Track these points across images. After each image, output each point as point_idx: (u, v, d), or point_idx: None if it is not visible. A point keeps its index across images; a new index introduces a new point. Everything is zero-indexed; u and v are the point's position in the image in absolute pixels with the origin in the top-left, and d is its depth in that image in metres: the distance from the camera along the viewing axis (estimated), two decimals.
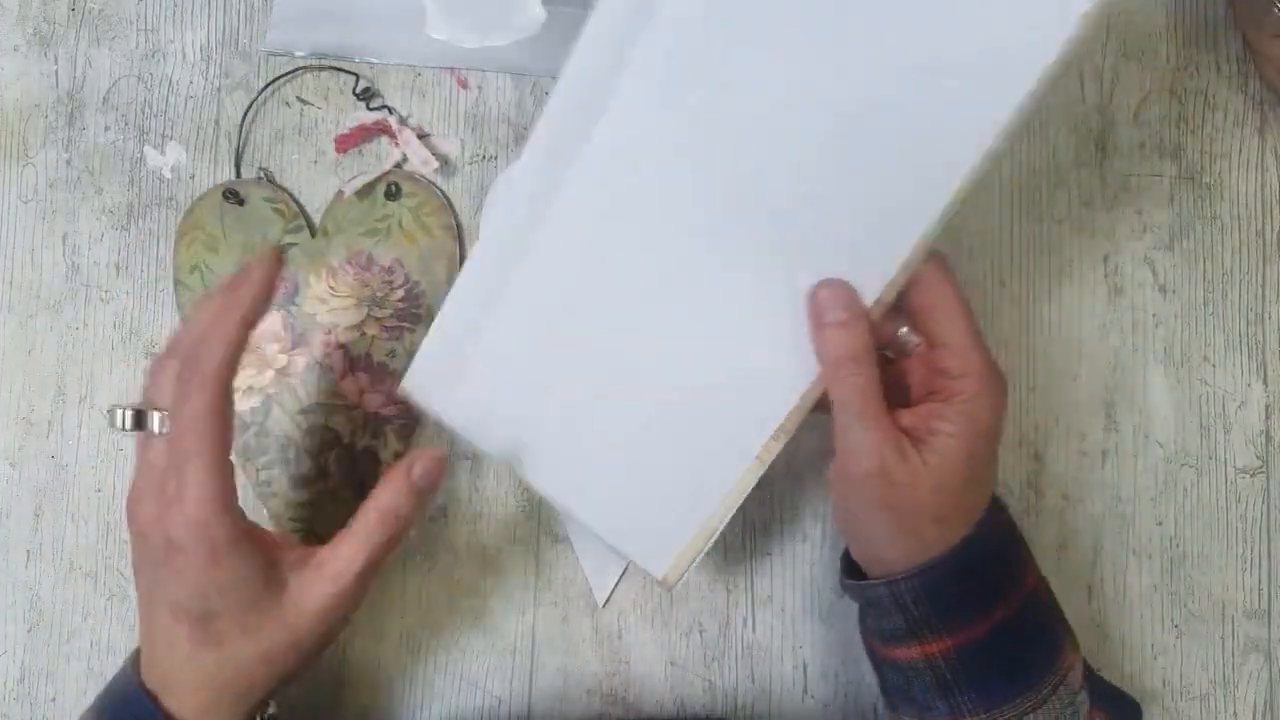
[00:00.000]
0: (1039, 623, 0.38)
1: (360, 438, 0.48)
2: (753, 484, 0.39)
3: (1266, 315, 0.48)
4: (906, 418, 0.37)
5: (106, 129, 0.51)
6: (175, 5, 0.51)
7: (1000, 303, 0.48)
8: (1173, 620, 0.47)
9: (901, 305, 0.37)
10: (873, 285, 0.37)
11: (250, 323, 0.37)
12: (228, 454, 0.36)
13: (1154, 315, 0.48)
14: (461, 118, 0.50)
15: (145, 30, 0.51)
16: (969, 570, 0.36)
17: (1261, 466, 0.48)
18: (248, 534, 0.36)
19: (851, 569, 0.41)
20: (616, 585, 0.48)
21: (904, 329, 0.38)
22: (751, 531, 0.48)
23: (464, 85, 0.50)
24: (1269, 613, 0.47)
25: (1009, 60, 0.34)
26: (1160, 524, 0.48)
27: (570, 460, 0.41)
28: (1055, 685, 0.37)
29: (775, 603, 0.48)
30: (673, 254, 0.38)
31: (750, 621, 0.48)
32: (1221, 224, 0.48)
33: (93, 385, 0.50)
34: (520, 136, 0.50)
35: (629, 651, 0.48)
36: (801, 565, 0.48)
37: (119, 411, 0.37)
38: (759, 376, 0.39)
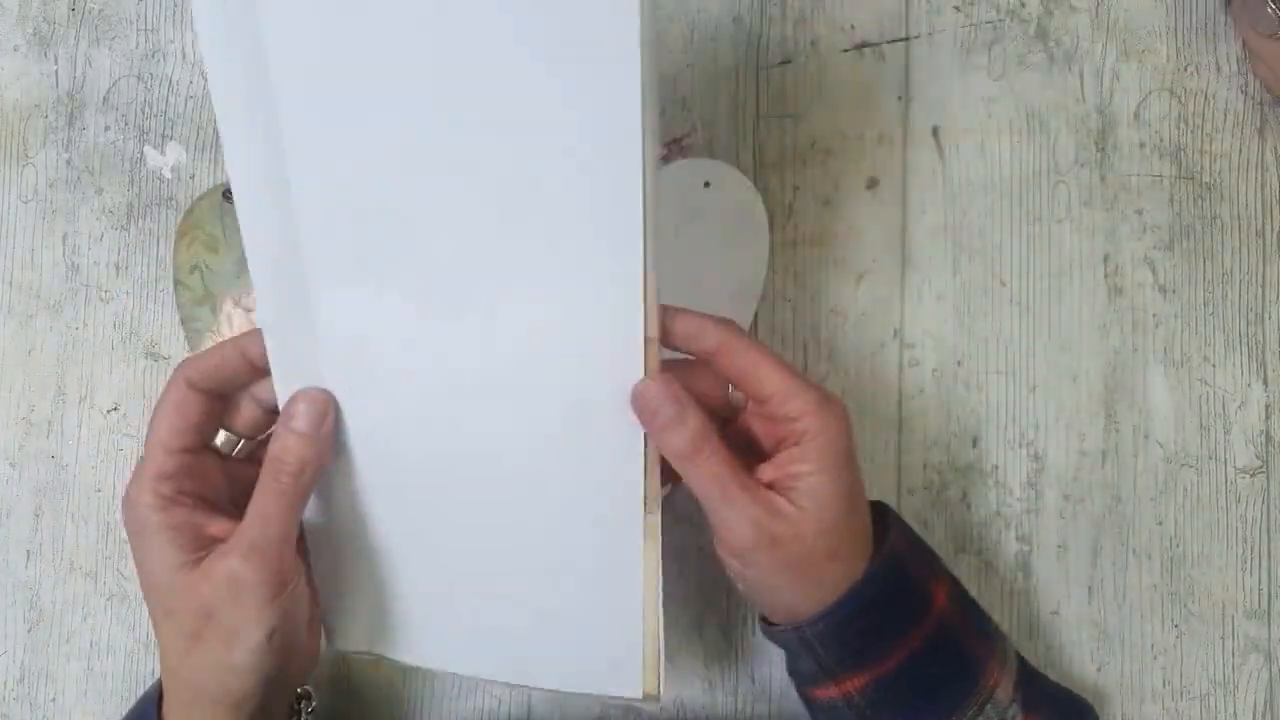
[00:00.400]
0: (953, 645, 0.38)
1: None
2: (658, 561, 0.38)
3: (1266, 315, 0.48)
4: (768, 472, 0.36)
5: (106, 129, 0.51)
6: (175, 5, 0.51)
7: (1000, 303, 0.48)
8: (1173, 620, 0.47)
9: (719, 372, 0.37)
10: (631, 325, 0.34)
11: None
12: (181, 457, 0.37)
13: (1154, 315, 0.48)
14: None
15: (145, 30, 0.51)
16: (869, 607, 0.36)
17: (1261, 466, 0.48)
18: (167, 521, 0.36)
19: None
20: None
21: (730, 389, 0.38)
22: None
23: None
24: (1269, 613, 0.47)
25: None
26: (1160, 524, 0.48)
27: (485, 637, 0.41)
28: (980, 704, 0.37)
29: None
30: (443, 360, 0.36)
31: (750, 621, 0.48)
32: (1222, 224, 0.48)
33: (93, 385, 0.50)
34: None
35: None
36: None
37: None
38: (595, 461, 0.37)
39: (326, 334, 0.37)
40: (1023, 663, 0.41)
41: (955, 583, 0.40)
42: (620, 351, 0.35)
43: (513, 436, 0.37)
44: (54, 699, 0.49)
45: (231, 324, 0.48)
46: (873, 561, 0.36)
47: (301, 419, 0.37)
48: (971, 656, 0.38)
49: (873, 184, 0.49)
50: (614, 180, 0.32)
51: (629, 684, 0.39)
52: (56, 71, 0.51)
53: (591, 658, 0.40)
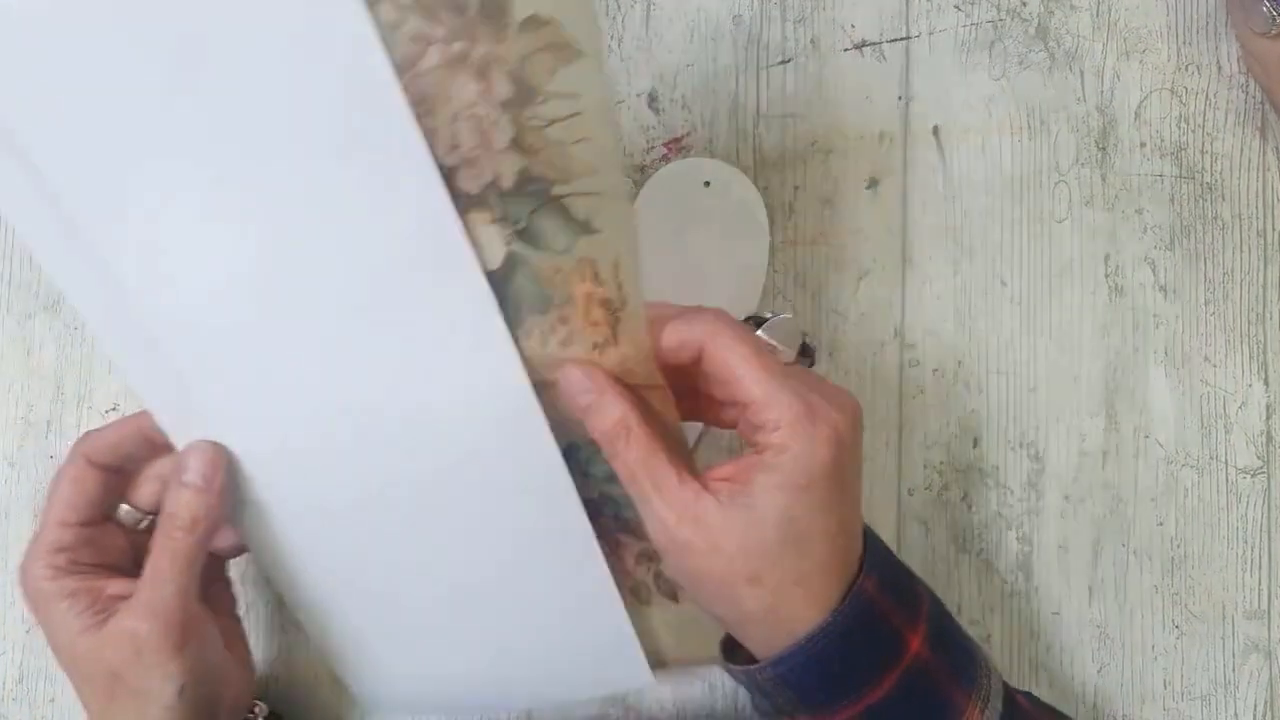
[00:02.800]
0: (926, 692, 0.34)
1: None
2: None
3: (1268, 315, 0.48)
4: (726, 469, 0.33)
5: None
6: None
7: (1001, 302, 0.48)
8: (1173, 620, 0.47)
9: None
10: (509, 372, 0.34)
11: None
12: (76, 530, 0.38)
13: (1154, 315, 0.48)
14: None
15: None
16: (830, 655, 0.33)
17: (1262, 467, 0.48)
18: (63, 590, 0.37)
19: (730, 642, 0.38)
20: None
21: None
22: None
23: None
24: (1269, 613, 0.47)
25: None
26: (1161, 524, 0.47)
27: (488, 673, 0.41)
28: None
29: None
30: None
31: None
32: (1222, 224, 0.48)
33: (91, 385, 0.50)
34: None
35: None
36: None
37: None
38: (517, 475, 0.36)
39: (216, 409, 0.36)
40: (1009, 695, 0.37)
41: (938, 618, 0.36)
42: (508, 393, 0.34)
43: (429, 473, 0.37)
44: (53, 699, 0.49)
45: None
46: (837, 610, 0.33)
47: (193, 472, 0.36)
48: (947, 703, 0.35)
49: (873, 184, 0.49)
50: (439, 247, 0.32)
51: (636, 673, 0.39)
52: None
53: (592, 661, 0.40)
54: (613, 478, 0.35)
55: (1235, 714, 0.47)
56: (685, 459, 0.34)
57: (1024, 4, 0.49)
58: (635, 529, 0.38)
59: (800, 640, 0.33)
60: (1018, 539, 0.48)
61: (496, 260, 0.32)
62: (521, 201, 0.31)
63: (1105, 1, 0.49)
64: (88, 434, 0.39)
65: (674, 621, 0.41)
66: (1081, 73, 0.49)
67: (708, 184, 0.48)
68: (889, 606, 0.34)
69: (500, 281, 0.32)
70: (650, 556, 0.39)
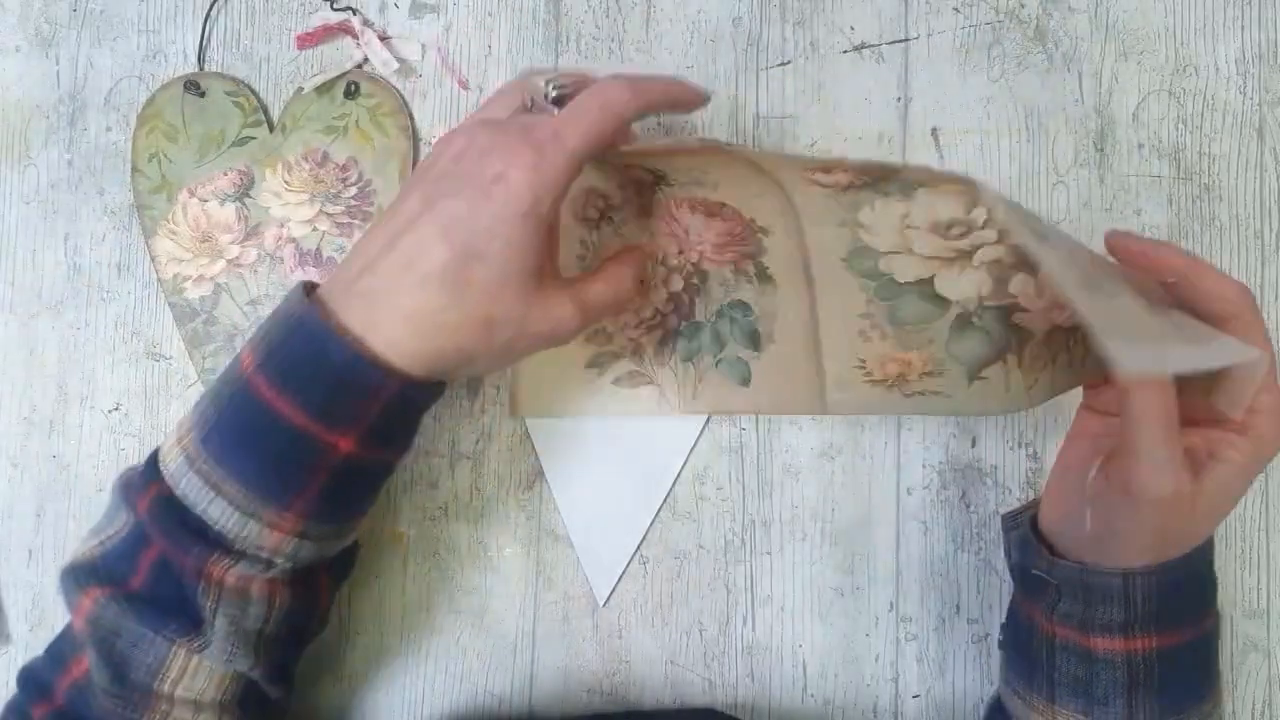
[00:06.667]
0: (1217, 643, 0.39)
1: None
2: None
3: (1265, 316, 0.48)
4: (1191, 436, 0.35)
5: (108, 129, 0.51)
6: (176, 6, 0.51)
7: None
8: None
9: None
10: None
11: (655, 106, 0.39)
12: (577, 171, 0.37)
13: None
14: (462, 118, 0.50)
15: (146, 31, 0.51)
16: (1193, 578, 0.37)
17: None
18: (549, 229, 0.37)
19: (1027, 547, 0.40)
20: (617, 584, 0.48)
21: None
22: (752, 531, 0.48)
23: (464, 86, 0.50)
24: (1268, 612, 0.47)
25: None
26: None
27: None
28: (1215, 705, 0.38)
29: (775, 603, 0.48)
30: None
31: (750, 621, 0.48)
32: (1220, 225, 0.48)
33: (94, 385, 0.50)
34: None
35: (629, 651, 0.48)
36: (801, 565, 0.48)
37: (544, 82, 0.40)
38: None
39: None
40: None
41: None
42: None
43: None
44: None
45: (187, 213, 0.49)
46: (1200, 544, 0.37)
47: (628, 277, 0.42)
48: (1219, 659, 0.40)
49: None
50: None
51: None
52: (58, 72, 0.51)
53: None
54: None
55: (1234, 713, 0.47)
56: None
57: (1022, 6, 0.49)
58: None
59: (1183, 556, 0.36)
60: None
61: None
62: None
63: (1103, 3, 0.49)
64: (621, 77, 0.38)
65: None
66: (1079, 74, 0.49)
67: None
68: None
69: None
70: None
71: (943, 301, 0.38)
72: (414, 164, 0.49)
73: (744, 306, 0.44)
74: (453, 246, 0.35)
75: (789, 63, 0.49)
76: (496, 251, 0.36)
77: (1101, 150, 0.49)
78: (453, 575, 0.49)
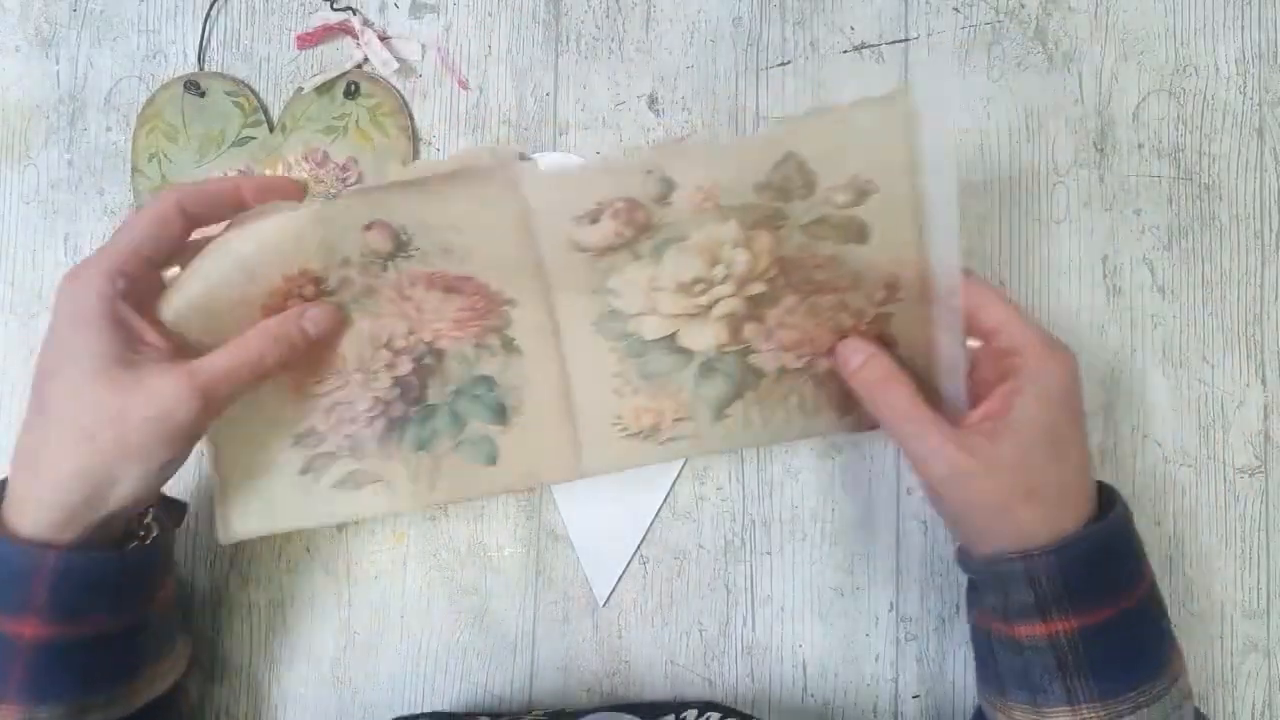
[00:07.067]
0: (1156, 619, 0.38)
1: None
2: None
3: (1265, 316, 0.48)
4: (986, 405, 0.38)
5: (108, 129, 0.51)
6: (176, 6, 0.51)
7: None
8: (1172, 619, 0.47)
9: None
10: None
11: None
12: (144, 262, 0.38)
13: (1152, 316, 0.48)
14: (462, 118, 0.50)
15: (146, 31, 0.51)
16: (1100, 554, 0.37)
17: (1260, 466, 0.48)
18: (112, 311, 0.37)
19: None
20: (617, 584, 0.48)
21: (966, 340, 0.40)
22: (751, 531, 0.48)
23: (465, 86, 0.50)
24: (1268, 612, 0.47)
25: None
26: (1159, 524, 0.48)
27: None
28: (1169, 684, 0.37)
29: (775, 603, 0.48)
30: None
31: (750, 621, 0.48)
32: (1220, 225, 0.48)
33: None
34: (520, 137, 0.50)
35: (629, 651, 0.48)
36: (801, 565, 0.48)
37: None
38: None
39: None
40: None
41: (1153, 575, 0.40)
42: None
43: None
44: None
45: None
46: (1106, 518, 0.37)
47: (313, 324, 0.41)
48: (1169, 635, 0.39)
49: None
50: None
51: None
52: (58, 72, 0.51)
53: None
54: None
55: (1233, 713, 0.47)
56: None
57: (1022, 6, 0.49)
58: None
59: (1079, 531, 0.36)
60: None
61: None
62: None
63: (1103, 3, 0.49)
64: (183, 186, 0.39)
65: None
66: (1079, 74, 0.49)
67: None
68: (1135, 535, 0.39)
69: None
70: None
71: (687, 353, 0.42)
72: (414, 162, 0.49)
73: (488, 381, 0.43)
74: (34, 378, 0.37)
75: (789, 63, 0.50)
76: (63, 360, 0.36)
77: (1101, 150, 0.49)
78: (453, 575, 0.49)
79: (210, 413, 0.38)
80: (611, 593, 0.48)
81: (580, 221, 0.39)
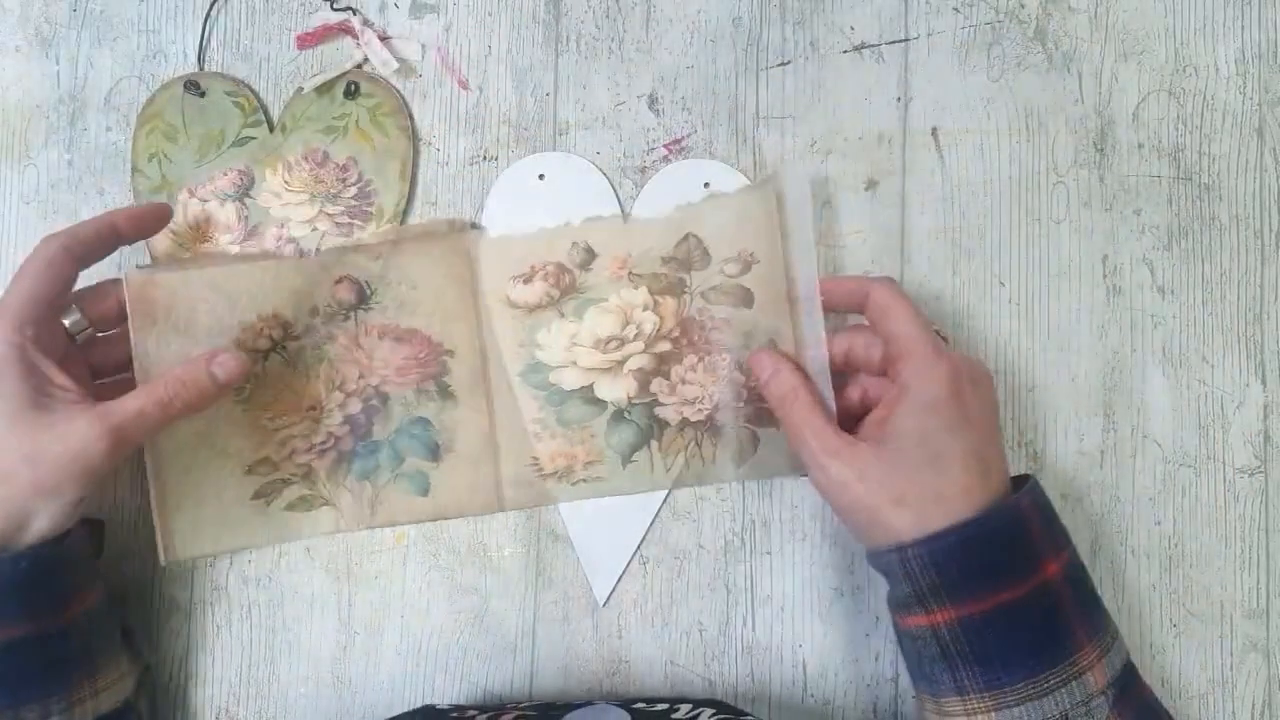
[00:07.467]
0: (1050, 613, 0.38)
1: None
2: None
3: (1265, 316, 0.48)
4: (876, 411, 0.40)
5: (108, 129, 0.51)
6: (176, 6, 0.51)
7: (999, 303, 0.48)
8: (1171, 620, 0.47)
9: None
10: None
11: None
12: (45, 308, 0.40)
13: (1152, 316, 0.48)
14: (462, 118, 0.50)
15: (146, 31, 0.51)
16: (976, 546, 0.37)
17: (1260, 466, 0.48)
18: (23, 358, 0.39)
19: None
20: (617, 584, 0.48)
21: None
22: (751, 531, 0.48)
23: (465, 86, 0.50)
24: (1267, 612, 0.47)
25: None
26: (1159, 524, 0.48)
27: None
28: (1065, 679, 0.37)
29: (775, 603, 0.48)
30: None
31: (750, 621, 0.48)
32: (1220, 225, 0.48)
33: None
34: (520, 137, 0.50)
35: (629, 651, 0.48)
36: (801, 565, 0.48)
37: None
38: None
39: None
40: (1133, 671, 0.40)
41: (1078, 569, 0.40)
42: None
43: None
44: None
45: (186, 213, 0.49)
46: (987, 508, 0.38)
47: (222, 369, 0.43)
48: (1067, 631, 0.38)
49: (872, 185, 0.49)
50: None
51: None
52: (58, 72, 0.51)
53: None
54: None
55: (1233, 713, 0.47)
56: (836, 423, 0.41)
57: (1022, 6, 0.49)
58: None
59: (954, 524, 0.37)
60: None
61: None
62: None
63: (1103, 3, 0.49)
64: (59, 232, 0.42)
65: None
66: (1079, 74, 0.49)
67: (707, 184, 0.48)
68: (1036, 530, 0.39)
69: None
70: None
71: (601, 403, 0.48)
72: (414, 164, 0.50)
73: (424, 422, 0.48)
74: None
75: (789, 63, 0.50)
76: None
77: (1101, 150, 0.49)
78: (453, 575, 0.49)
79: (120, 451, 0.40)
80: (611, 593, 0.48)
81: (516, 281, 0.48)
